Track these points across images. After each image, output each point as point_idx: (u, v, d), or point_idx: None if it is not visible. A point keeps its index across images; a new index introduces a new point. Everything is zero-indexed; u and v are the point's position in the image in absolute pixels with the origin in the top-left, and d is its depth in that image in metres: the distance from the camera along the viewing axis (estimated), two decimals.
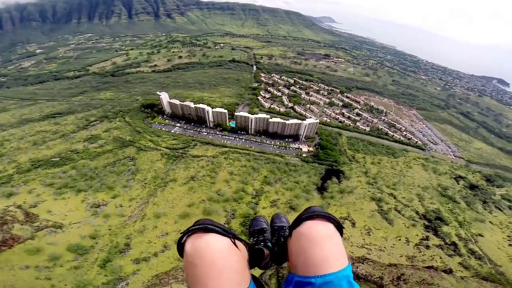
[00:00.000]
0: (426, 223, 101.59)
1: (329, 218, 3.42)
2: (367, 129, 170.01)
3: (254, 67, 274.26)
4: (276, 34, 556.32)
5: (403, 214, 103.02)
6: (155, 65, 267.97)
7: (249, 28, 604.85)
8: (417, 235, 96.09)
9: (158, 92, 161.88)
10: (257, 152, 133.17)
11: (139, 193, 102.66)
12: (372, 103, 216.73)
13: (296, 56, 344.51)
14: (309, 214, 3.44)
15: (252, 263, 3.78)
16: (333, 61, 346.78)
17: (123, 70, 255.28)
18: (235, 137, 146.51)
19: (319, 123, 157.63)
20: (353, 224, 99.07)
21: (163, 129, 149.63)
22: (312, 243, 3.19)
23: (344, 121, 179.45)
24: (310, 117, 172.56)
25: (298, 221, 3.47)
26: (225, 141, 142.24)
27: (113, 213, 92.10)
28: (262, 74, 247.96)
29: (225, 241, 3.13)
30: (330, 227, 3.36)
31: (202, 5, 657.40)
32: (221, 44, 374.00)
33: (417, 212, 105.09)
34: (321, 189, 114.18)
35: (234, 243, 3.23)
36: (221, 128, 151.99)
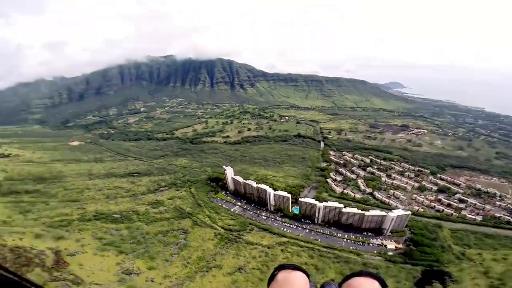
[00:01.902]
0: None
1: (375, 276, 4.04)
2: (478, 218, 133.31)
3: (322, 143, 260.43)
4: (342, 105, 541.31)
5: None
6: (227, 136, 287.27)
7: (313, 100, 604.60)
8: None
9: (224, 167, 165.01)
10: (324, 247, 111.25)
11: (177, 271, 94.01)
12: (478, 185, 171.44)
13: (369, 130, 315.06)
14: (357, 272, 4.21)
15: None
16: (414, 133, 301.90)
17: (200, 138, 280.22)
18: (297, 226, 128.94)
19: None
20: None
21: (224, 206, 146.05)
22: None
23: (443, 209, 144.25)
24: (396, 206, 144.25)
25: (347, 278, 4.22)
26: (285, 229, 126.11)
27: (140, 285, 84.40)
28: (331, 152, 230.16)
29: (306, 279, 4.37)
30: (375, 284, 3.96)
31: (268, 77, 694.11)
32: (286, 117, 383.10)
33: None
34: None
35: (309, 280, 4.43)
36: (282, 214, 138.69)
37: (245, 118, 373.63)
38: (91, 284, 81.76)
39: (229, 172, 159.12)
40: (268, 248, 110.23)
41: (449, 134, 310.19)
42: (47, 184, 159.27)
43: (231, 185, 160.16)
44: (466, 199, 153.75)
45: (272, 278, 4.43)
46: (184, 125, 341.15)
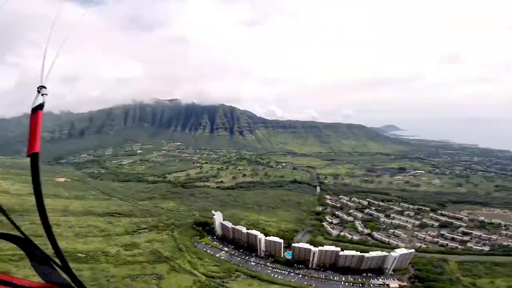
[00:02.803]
0: None
1: None
2: (485, 248, 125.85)
3: (318, 188, 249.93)
4: (339, 151, 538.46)
5: None
6: (221, 181, 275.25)
7: (311, 146, 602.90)
8: None
9: (213, 212, 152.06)
10: None
11: None
12: (481, 217, 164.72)
13: (366, 174, 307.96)
14: None
15: None
16: (411, 175, 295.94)
17: (193, 182, 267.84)
18: (289, 272, 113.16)
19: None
20: None
21: (208, 251, 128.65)
22: None
23: (447, 244, 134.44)
24: (397, 244, 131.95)
25: None
26: (276, 275, 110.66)
27: None
28: (328, 196, 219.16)
29: None
30: None
31: (267, 123, 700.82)
32: (283, 163, 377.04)
33: None
34: None
35: None
36: (273, 259, 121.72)
37: (241, 164, 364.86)
38: None
39: (218, 217, 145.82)
40: None
41: (447, 172, 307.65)
42: (14, 217, 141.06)
43: (218, 230, 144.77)
44: (470, 231, 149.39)
45: None
46: (178, 169, 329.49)
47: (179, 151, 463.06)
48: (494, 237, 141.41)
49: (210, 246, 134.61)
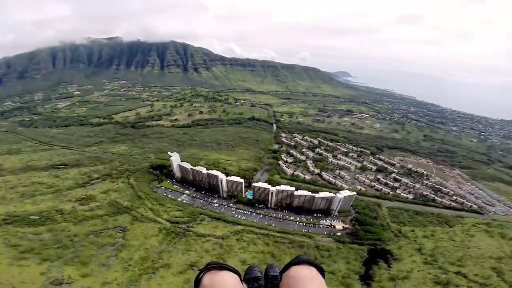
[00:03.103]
0: None
1: (312, 263, 4.18)
2: (410, 197, 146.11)
3: (275, 126, 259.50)
4: (295, 91, 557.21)
5: None
6: (176, 119, 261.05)
7: (269, 84, 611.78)
8: None
9: (169, 153, 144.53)
10: (278, 232, 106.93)
11: (117, 276, 78.07)
12: (410, 165, 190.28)
13: (318, 114, 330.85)
14: (296, 261, 4.24)
15: None
16: (357, 117, 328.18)
17: (144, 122, 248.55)
18: (251, 212, 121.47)
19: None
20: None
21: (169, 195, 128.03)
22: (299, 284, 3.83)
23: (381, 189, 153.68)
24: (341, 186, 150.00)
25: (287, 267, 4.27)
26: (240, 216, 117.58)
27: None
28: (283, 134, 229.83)
29: (235, 277, 3.98)
30: (313, 271, 4.10)
31: (225, 61, 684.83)
32: (242, 101, 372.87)
33: None
34: (366, 278, 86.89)
35: (241, 280, 4.04)
36: (235, 200, 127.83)
37: (197, 101, 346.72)
38: None
39: (175, 158, 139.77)
40: (223, 239, 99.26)
41: (387, 118, 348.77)
42: None
43: (177, 173, 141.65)
44: (400, 178, 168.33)
45: (197, 282, 3.98)
46: (126, 109, 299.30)
47: (125, 90, 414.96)
48: (417, 185, 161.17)
49: (170, 190, 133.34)
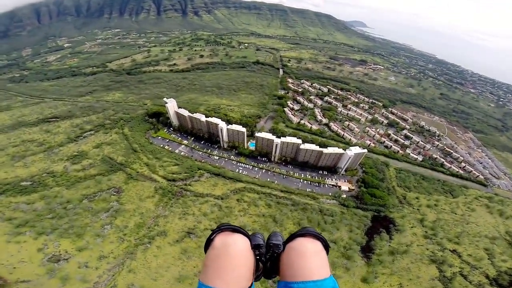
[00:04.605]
0: None
1: (318, 237, 3.92)
2: (419, 158, 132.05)
3: (281, 71, 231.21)
4: (305, 36, 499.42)
5: (471, 280, 74.39)
6: (174, 64, 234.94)
7: (276, 28, 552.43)
8: None
9: (164, 99, 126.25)
10: (281, 191, 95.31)
11: (113, 248, 70.70)
12: (423, 123, 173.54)
13: (329, 61, 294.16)
14: (302, 232, 3.96)
15: None
16: (371, 68, 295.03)
17: (140, 68, 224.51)
18: (253, 166, 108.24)
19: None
20: None
21: (166, 146, 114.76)
22: (301, 256, 3.65)
23: (391, 146, 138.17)
24: (350, 139, 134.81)
25: (292, 237, 3.98)
26: (241, 171, 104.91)
27: (73, 275, 62.95)
28: (290, 80, 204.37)
29: (247, 242, 3.82)
30: (318, 245, 3.83)
31: (229, 4, 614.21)
32: (246, 44, 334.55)
33: (487, 276, 76.11)
34: (367, 250, 79.41)
35: (251, 246, 3.88)
36: (237, 152, 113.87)
37: (198, 45, 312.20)
38: (18, 283, 59.77)
39: (171, 105, 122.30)
40: (222, 199, 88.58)
41: (403, 72, 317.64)
42: None
43: (175, 121, 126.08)
44: (411, 136, 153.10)
45: (208, 243, 3.77)
46: (121, 56, 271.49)
47: (119, 38, 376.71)
48: (428, 146, 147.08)
49: (167, 140, 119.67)
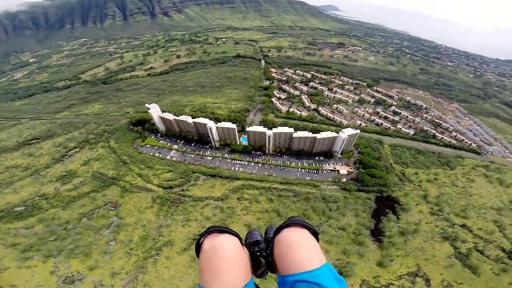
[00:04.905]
0: None
1: (304, 225, 3.84)
2: (411, 132, 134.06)
3: (263, 61, 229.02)
4: (281, 25, 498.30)
5: (488, 255, 73.44)
6: (151, 68, 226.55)
7: (252, 20, 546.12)
8: None
9: (146, 105, 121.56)
10: (281, 184, 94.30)
11: (123, 264, 68.56)
12: (408, 98, 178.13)
13: (308, 47, 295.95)
14: (287, 223, 3.90)
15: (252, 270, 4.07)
16: (350, 50, 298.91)
17: (115, 76, 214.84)
18: (249, 161, 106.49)
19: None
20: (427, 282, 66.62)
21: (157, 154, 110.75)
22: (290, 247, 3.58)
23: (381, 123, 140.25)
24: (340, 121, 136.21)
25: (278, 230, 3.93)
26: (237, 168, 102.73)
27: None
28: (273, 70, 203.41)
29: (235, 240, 3.73)
30: (305, 233, 3.75)
31: (199, 1, 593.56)
32: (223, 39, 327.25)
33: (503, 250, 75.20)
34: (377, 233, 79.08)
35: (242, 244, 3.84)
36: (230, 149, 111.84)
37: (173, 46, 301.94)
38: None
39: (154, 110, 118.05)
40: (222, 200, 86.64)
41: (381, 51, 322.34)
42: None
43: (160, 126, 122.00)
44: (400, 111, 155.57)
45: (198, 247, 3.74)
46: (92, 66, 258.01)
47: (87, 47, 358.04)
48: (417, 119, 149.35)
49: (156, 147, 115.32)
